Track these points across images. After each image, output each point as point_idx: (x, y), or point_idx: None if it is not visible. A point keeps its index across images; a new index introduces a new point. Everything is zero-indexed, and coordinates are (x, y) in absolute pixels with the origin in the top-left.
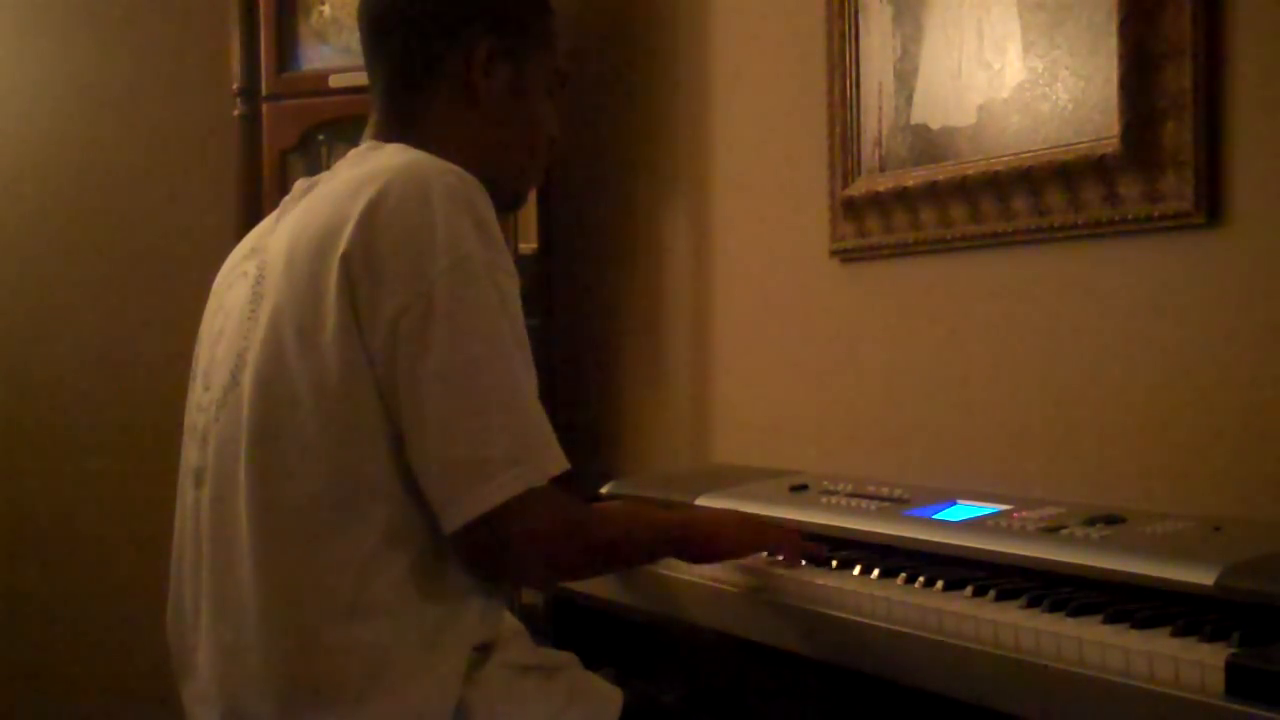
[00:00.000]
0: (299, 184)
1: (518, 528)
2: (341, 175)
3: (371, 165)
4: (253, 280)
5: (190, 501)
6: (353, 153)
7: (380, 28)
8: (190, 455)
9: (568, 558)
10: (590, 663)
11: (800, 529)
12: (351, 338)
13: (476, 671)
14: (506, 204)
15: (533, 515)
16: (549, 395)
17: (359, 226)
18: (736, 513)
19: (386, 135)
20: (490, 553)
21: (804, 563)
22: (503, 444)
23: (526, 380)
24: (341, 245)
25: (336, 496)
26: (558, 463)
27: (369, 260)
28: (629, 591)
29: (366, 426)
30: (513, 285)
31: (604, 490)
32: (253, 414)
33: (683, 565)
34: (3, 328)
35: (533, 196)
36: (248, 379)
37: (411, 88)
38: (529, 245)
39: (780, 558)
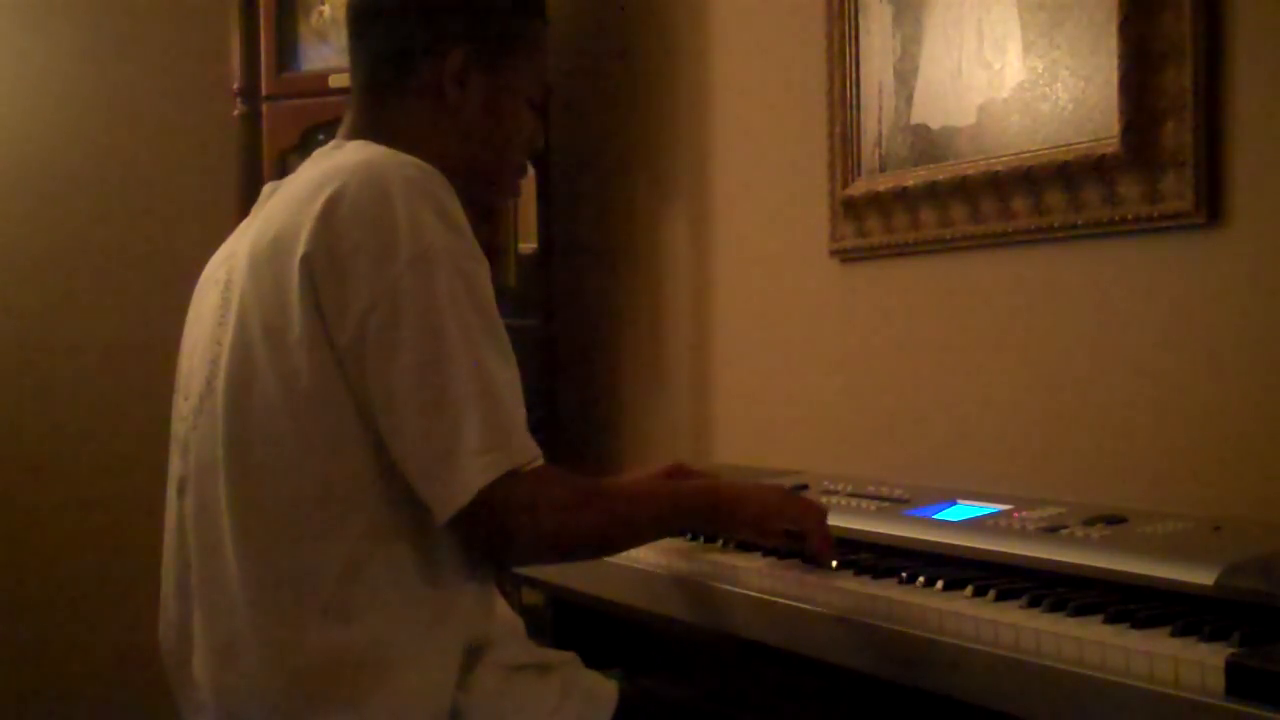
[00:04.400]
0: (267, 187)
1: (505, 511)
2: (304, 175)
3: (331, 164)
4: (222, 287)
5: (175, 511)
6: (317, 153)
7: (360, 24)
8: (174, 465)
9: (566, 535)
10: (591, 663)
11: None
12: (319, 338)
13: (470, 672)
14: (475, 211)
15: (519, 497)
16: (549, 395)
17: (318, 226)
18: (764, 485)
19: (356, 135)
20: (486, 539)
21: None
22: (474, 434)
23: (499, 367)
24: (301, 246)
25: (317, 497)
26: (529, 449)
27: (331, 260)
28: (630, 591)
29: (342, 427)
30: (481, 271)
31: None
32: (227, 418)
33: (682, 565)
34: (3, 327)
35: (533, 196)
36: (221, 384)
37: (385, 89)
38: (529, 245)
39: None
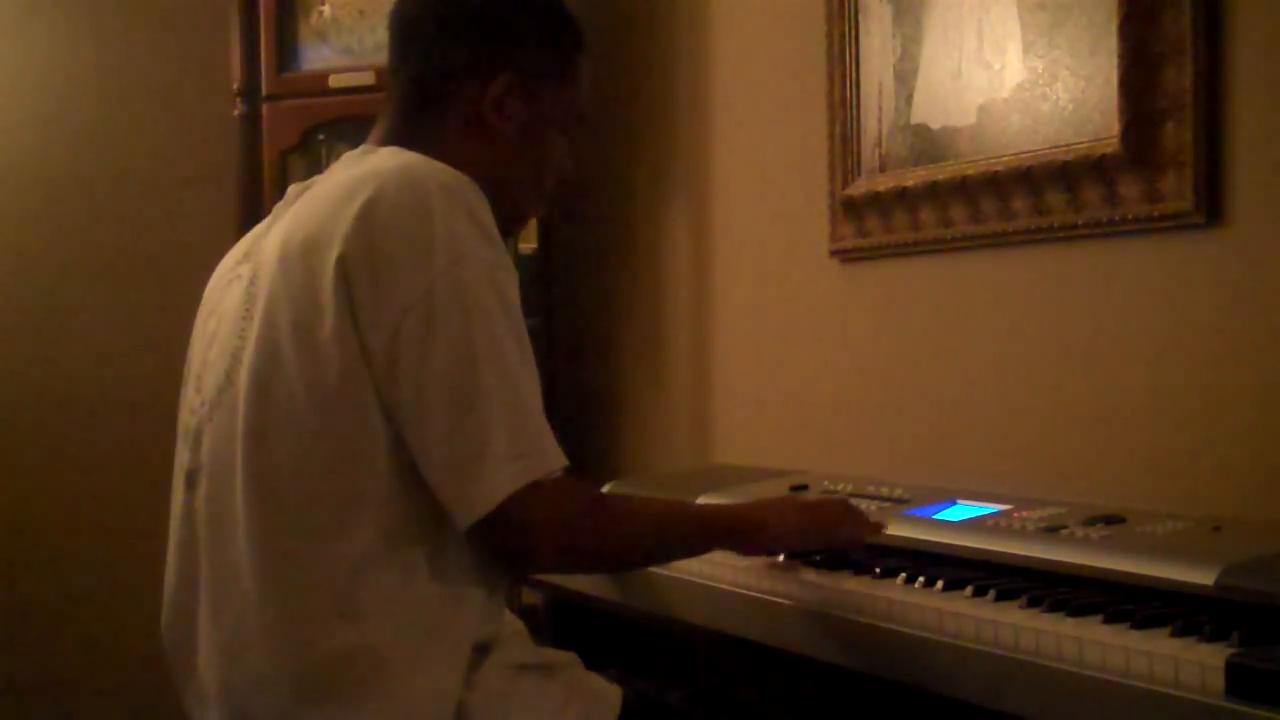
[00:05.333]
0: (293, 188)
1: (528, 521)
2: (336, 177)
3: (366, 168)
4: (246, 283)
5: (181, 504)
6: (347, 155)
7: (407, 38)
8: (182, 458)
9: (587, 547)
10: (591, 664)
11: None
12: (349, 336)
13: (475, 672)
14: (500, 229)
15: (542, 507)
16: (549, 395)
17: (356, 228)
18: (790, 499)
19: (388, 143)
20: (507, 546)
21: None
22: (503, 441)
23: (525, 377)
24: (338, 246)
25: (334, 494)
26: (558, 457)
27: (369, 261)
28: (629, 592)
29: (364, 425)
30: (511, 281)
31: (604, 490)
32: (249, 411)
33: (682, 565)
34: (3, 328)
35: None
36: (243, 377)
37: (424, 105)
38: (529, 245)
39: (780, 558)
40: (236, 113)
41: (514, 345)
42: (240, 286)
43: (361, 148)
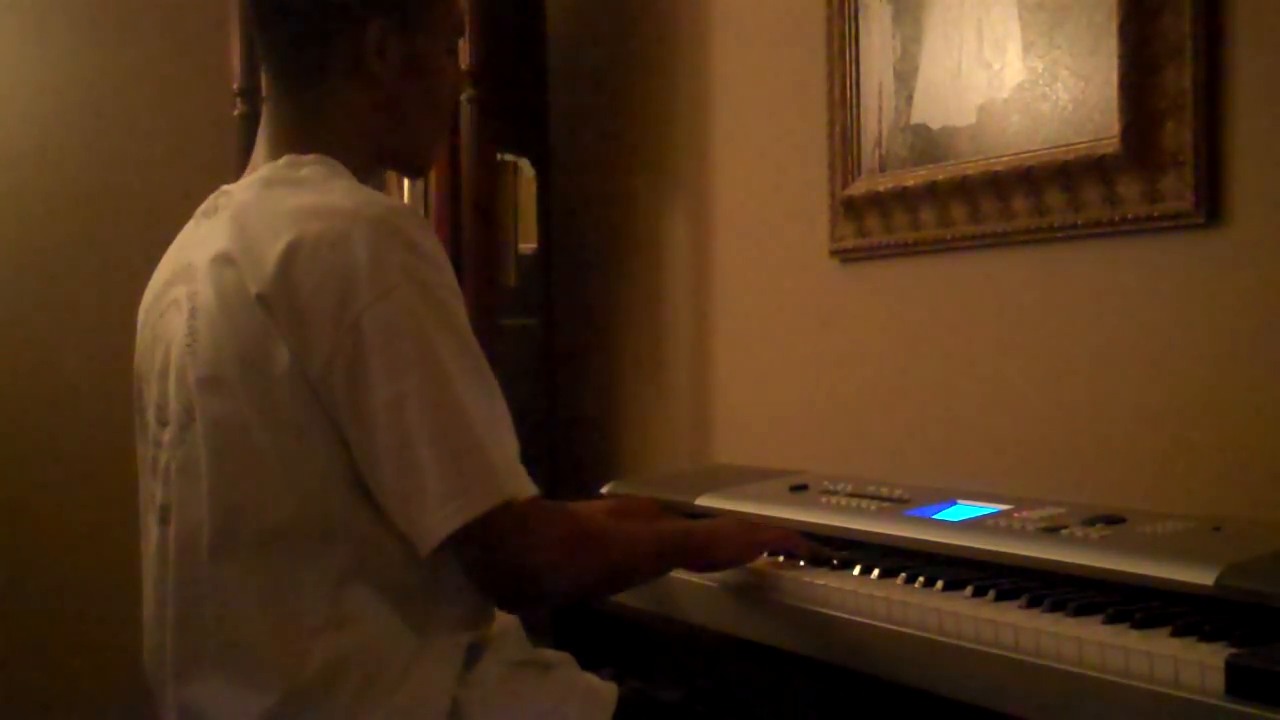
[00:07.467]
0: (211, 199)
1: (478, 558)
2: (261, 202)
3: (291, 200)
4: (186, 315)
5: (156, 538)
6: (269, 170)
7: (266, 18)
8: (154, 492)
9: (551, 581)
10: (589, 663)
11: (799, 531)
12: (296, 369)
13: (470, 670)
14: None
15: (490, 545)
16: (549, 395)
17: (277, 271)
18: (733, 518)
19: (288, 133)
20: (471, 575)
21: (802, 563)
22: (439, 477)
23: (472, 401)
24: (256, 286)
25: (303, 524)
26: (500, 490)
27: (290, 305)
28: (628, 591)
29: (324, 453)
30: (455, 302)
31: (604, 490)
32: (210, 449)
33: None
34: (2, 329)
35: (533, 196)
36: (201, 415)
37: (302, 74)
38: (529, 245)
39: (780, 558)
40: (236, 113)
41: (459, 369)
42: (180, 315)
43: (285, 160)
